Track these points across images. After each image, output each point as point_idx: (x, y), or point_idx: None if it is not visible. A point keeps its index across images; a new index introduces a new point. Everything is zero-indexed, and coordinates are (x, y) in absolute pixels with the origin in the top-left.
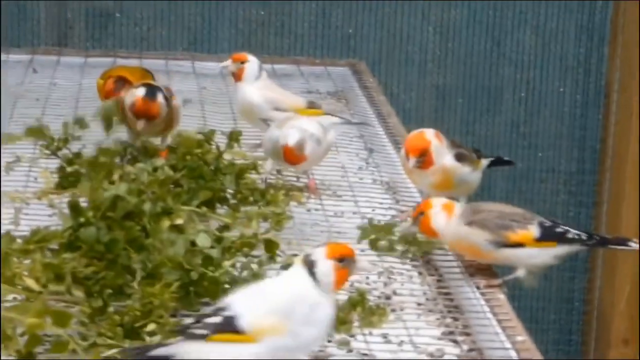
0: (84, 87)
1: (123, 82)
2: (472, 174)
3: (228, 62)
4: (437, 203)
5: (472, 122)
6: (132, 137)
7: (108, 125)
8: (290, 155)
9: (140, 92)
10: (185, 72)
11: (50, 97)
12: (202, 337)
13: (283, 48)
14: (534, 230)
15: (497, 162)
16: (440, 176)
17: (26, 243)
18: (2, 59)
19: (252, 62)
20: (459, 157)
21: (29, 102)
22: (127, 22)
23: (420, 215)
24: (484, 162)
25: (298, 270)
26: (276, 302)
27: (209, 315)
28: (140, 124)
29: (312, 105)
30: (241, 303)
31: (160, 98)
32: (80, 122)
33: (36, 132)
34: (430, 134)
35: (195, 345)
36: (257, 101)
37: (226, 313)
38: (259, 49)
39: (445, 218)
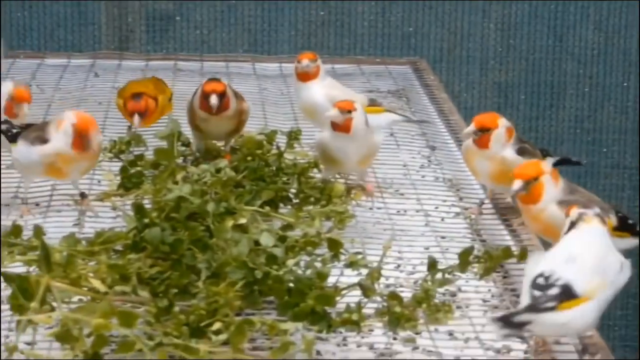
0: None
1: (140, 97)
2: None
3: (306, 62)
4: (548, 169)
5: (534, 119)
6: (198, 141)
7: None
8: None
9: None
10: (245, 73)
11: (112, 100)
12: (552, 309)
13: (343, 48)
14: (613, 219)
15: (563, 162)
16: (498, 166)
17: (91, 245)
18: (63, 63)
19: (318, 64)
20: (521, 152)
21: (91, 105)
22: (187, 25)
23: (534, 180)
24: (548, 160)
25: (591, 227)
26: (595, 262)
27: (543, 287)
28: (214, 99)
29: (373, 103)
30: (566, 270)
31: (228, 92)
32: (137, 139)
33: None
34: (501, 119)
35: (548, 316)
36: (320, 100)
37: (560, 282)
38: (318, 49)
39: (553, 188)
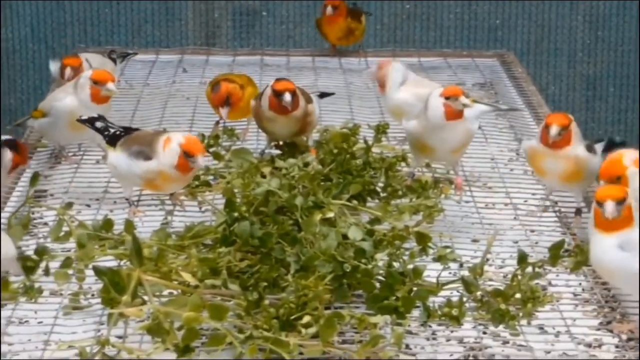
0: None
1: (218, 86)
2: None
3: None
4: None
5: (623, 111)
6: (268, 142)
7: None
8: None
9: (269, 89)
10: (332, 67)
11: (200, 96)
12: None
13: (429, 41)
14: None
15: (611, 145)
16: (572, 166)
17: (181, 239)
18: (151, 59)
19: (395, 70)
20: (589, 149)
21: (179, 101)
22: (274, 20)
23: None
24: (598, 147)
25: None
26: None
27: None
28: (287, 97)
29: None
30: None
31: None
32: (230, 133)
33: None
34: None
35: None
36: (406, 100)
37: None
38: (404, 43)
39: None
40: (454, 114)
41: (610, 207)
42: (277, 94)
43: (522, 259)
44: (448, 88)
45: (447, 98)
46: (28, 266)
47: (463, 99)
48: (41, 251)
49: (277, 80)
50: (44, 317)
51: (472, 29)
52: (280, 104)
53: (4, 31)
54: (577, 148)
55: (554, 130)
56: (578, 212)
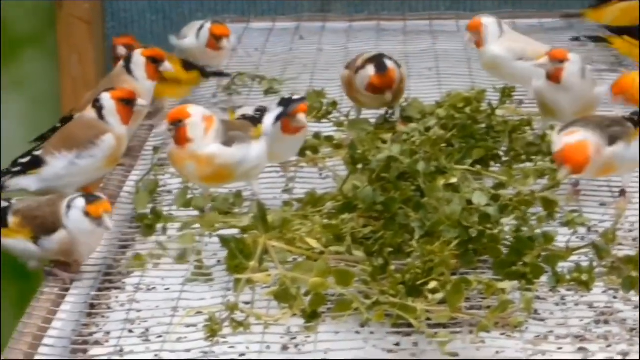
0: (350, 51)
1: (386, 68)
2: (629, 149)
3: (467, 36)
4: None
5: None
6: (358, 111)
7: None
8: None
9: (371, 70)
10: (449, 31)
11: (317, 62)
12: None
13: (548, 2)
14: None
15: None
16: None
17: (304, 206)
18: (268, 26)
19: (488, 25)
20: (612, 140)
21: (297, 67)
22: None
23: None
24: None
25: None
26: None
27: None
28: (389, 96)
29: None
30: None
31: (391, 65)
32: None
33: (315, 96)
34: None
35: None
36: (500, 53)
37: None
38: (519, 5)
39: None
40: (552, 77)
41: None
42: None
43: None
44: (554, 51)
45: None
46: (147, 225)
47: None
48: (158, 213)
49: (377, 68)
50: (171, 284)
51: None
52: (378, 90)
53: (122, 2)
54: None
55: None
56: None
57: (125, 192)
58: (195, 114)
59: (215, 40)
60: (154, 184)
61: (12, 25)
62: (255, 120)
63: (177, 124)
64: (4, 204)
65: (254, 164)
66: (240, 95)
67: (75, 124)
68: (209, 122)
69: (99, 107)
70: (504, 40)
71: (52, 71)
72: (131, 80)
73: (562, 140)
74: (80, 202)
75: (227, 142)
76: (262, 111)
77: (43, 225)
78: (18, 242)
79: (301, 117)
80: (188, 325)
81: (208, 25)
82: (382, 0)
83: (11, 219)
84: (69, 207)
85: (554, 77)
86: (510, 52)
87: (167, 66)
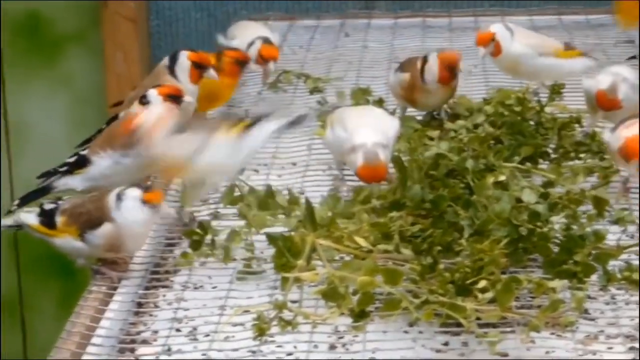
0: (395, 48)
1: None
2: None
3: (482, 51)
4: None
5: None
6: (402, 110)
7: None
8: (604, 100)
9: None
10: None
11: (363, 59)
12: None
13: None
14: None
15: None
16: None
17: (351, 204)
18: (313, 24)
19: (498, 32)
20: None
21: (342, 65)
22: None
23: None
24: None
25: None
26: None
27: None
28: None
29: (568, 47)
30: None
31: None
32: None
33: (361, 93)
34: None
35: None
36: (523, 51)
37: None
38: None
39: None
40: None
41: None
42: (450, 68)
43: None
44: None
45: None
46: (194, 240)
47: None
48: (205, 226)
49: (442, 51)
50: (219, 282)
51: None
52: (451, 76)
53: (167, 2)
54: None
55: None
56: None
57: (172, 190)
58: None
59: (262, 61)
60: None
61: (58, 23)
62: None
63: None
64: (52, 205)
65: (214, 160)
66: (285, 94)
67: (120, 122)
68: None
69: (145, 104)
70: (519, 38)
71: (97, 69)
72: (173, 82)
73: (621, 135)
74: (135, 191)
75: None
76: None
77: (88, 221)
78: (66, 241)
79: None
80: (235, 324)
81: (259, 45)
82: None
83: (59, 219)
84: (119, 198)
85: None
86: (532, 49)
87: (212, 74)
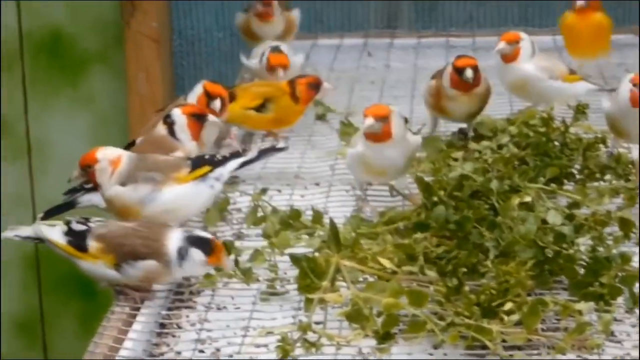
0: (419, 68)
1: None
2: None
3: (502, 45)
4: None
5: None
6: (433, 123)
7: None
8: None
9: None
10: None
11: (386, 79)
12: None
13: (617, 18)
14: None
15: None
16: None
17: (375, 225)
18: (336, 43)
19: (525, 40)
20: None
21: (365, 85)
22: (456, 2)
23: None
24: None
25: None
26: None
27: None
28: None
29: (572, 72)
30: None
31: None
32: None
33: None
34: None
35: None
36: (533, 73)
37: None
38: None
39: None
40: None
41: None
42: (459, 71)
43: None
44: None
45: (634, 85)
46: None
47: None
48: (228, 247)
49: (458, 56)
50: (242, 303)
51: None
52: (462, 81)
53: (189, 20)
54: None
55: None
56: None
57: None
58: (103, 158)
59: (271, 69)
60: (225, 202)
61: (80, 43)
62: (214, 162)
63: (87, 169)
64: (82, 226)
65: (166, 207)
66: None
67: (144, 142)
68: (115, 165)
69: (169, 124)
70: (536, 60)
71: (120, 89)
72: (174, 144)
73: None
74: (199, 255)
75: (127, 182)
76: (232, 156)
77: (131, 254)
78: (97, 267)
79: None
80: (259, 346)
81: (267, 52)
82: (449, 16)
83: (92, 244)
84: (182, 257)
85: (509, 58)
86: (544, 72)
87: (213, 120)
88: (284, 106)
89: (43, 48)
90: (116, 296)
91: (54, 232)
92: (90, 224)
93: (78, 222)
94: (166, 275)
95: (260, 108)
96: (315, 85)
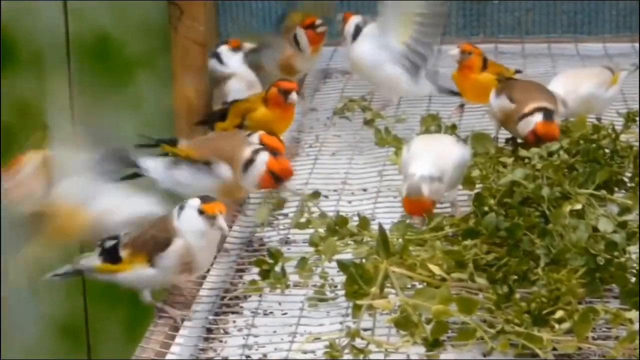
0: None
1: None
2: None
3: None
4: None
5: None
6: (498, 128)
7: None
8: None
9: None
10: (568, 54)
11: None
12: None
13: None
14: None
15: None
16: None
17: (423, 231)
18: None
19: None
20: None
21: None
22: (505, 8)
23: None
24: None
25: None
26: None
27: None
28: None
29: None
30: None
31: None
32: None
33: (431, 120)
34: None
35: None
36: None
37: None
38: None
39: None
40: None
41: None
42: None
43: None
44: None
45: None
46: (264, 270)
47: None
48: (275, 254)
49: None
50: (289, 308)
51: None
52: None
53: (236, 24)
54: None
55: None
56: None
57: (243, 215)
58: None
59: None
60: (281, 200)
61: (127, 47)
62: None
63: None
64: (112, 241)
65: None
66: (350, 122)
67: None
68: None
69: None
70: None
71: (166, 93)
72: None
73: None
74: (195, 201)
75: None
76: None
77: (156, 244)
78: (134, 272)
79: None
80: (306, 352)
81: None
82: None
83: (122, 252)
84: (181, 208)
85: None
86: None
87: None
88: (257, 119)
89: (90, 53)
90: (156, 315)
91: (90, 260)
92: (120, 236)
93: (109, 239)
94: (191, 251)
95: (241, 125)
96: (284, 92)
